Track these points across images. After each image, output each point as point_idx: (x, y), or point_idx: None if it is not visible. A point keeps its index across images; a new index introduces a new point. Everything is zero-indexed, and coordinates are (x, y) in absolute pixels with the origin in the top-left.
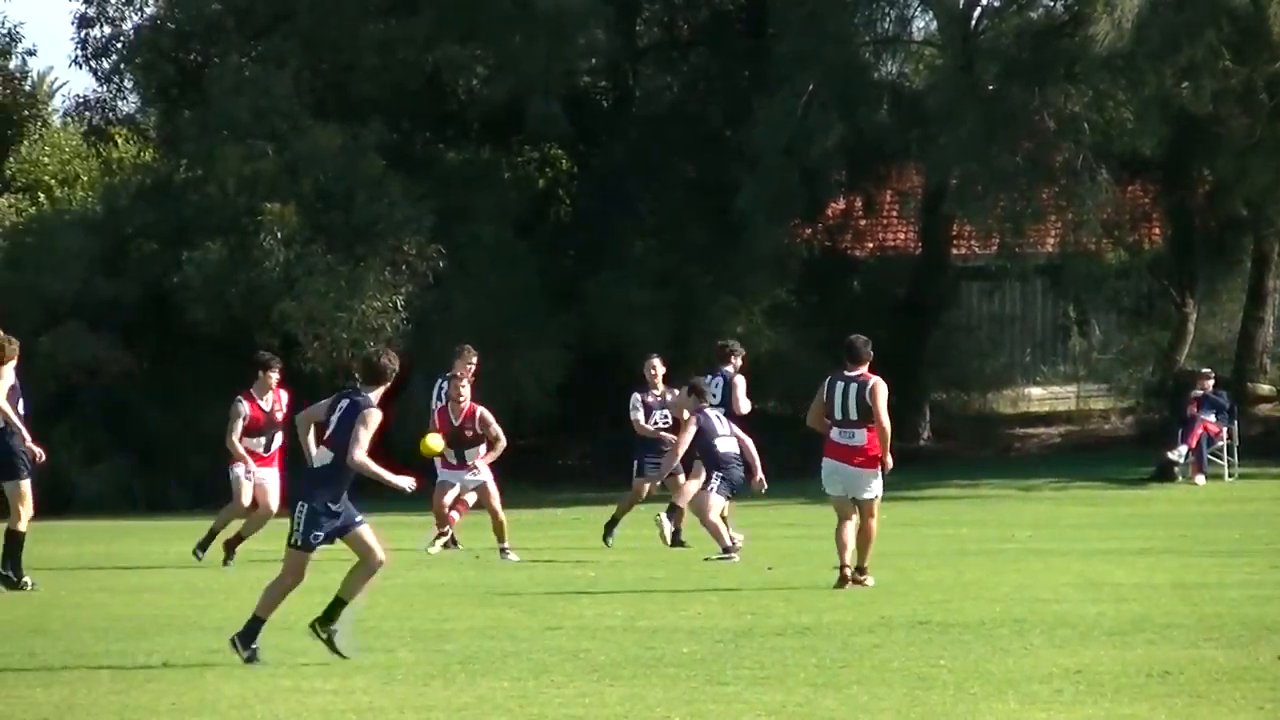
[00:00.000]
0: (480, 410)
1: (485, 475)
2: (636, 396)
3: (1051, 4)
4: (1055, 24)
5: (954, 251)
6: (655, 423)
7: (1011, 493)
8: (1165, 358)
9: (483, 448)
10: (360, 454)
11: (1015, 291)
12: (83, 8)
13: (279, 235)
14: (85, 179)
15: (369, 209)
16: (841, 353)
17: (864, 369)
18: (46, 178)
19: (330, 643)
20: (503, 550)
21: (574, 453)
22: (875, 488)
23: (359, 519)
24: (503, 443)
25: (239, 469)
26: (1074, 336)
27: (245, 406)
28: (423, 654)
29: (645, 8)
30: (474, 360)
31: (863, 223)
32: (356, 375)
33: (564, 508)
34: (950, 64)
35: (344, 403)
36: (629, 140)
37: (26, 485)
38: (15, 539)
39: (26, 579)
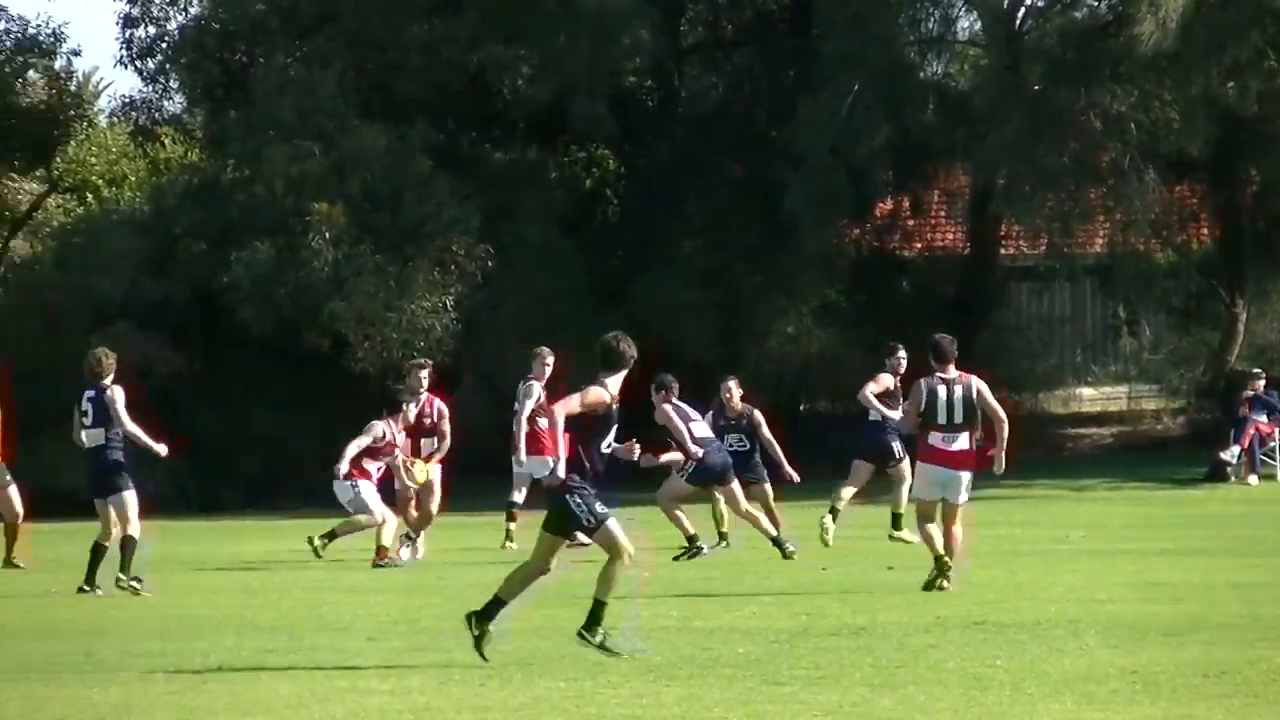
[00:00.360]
0: (438, 402)
1: (434, 474)
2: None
3: (1096, 4)
4: (1100, 24)
5: (1002, 251)
6: (731, 446)
7: (1064, 493)
8: (1216, 358)
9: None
10: (560, 410)
11: (1065, 291)
12: (127, 8)
13: (327, 235)
14: (132, 179)
15: (416, 209)
16: (928, 353)
17: (953, 368)
18: (94, 178)
19: (603, 646)
20: (407, 536)
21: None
22: (968, 490)
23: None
24: (447, 442)
25: (361, 486)
26: (1124, 337)
27: (383, 429)
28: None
29: (690, 8)
30: (550, 362)
31: (910, 223)
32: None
33: (619, 508)
34: (995, 64)
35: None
36: (675, 140)
37: (131, 496)
38: (128, 545)
39: (135, 581)
